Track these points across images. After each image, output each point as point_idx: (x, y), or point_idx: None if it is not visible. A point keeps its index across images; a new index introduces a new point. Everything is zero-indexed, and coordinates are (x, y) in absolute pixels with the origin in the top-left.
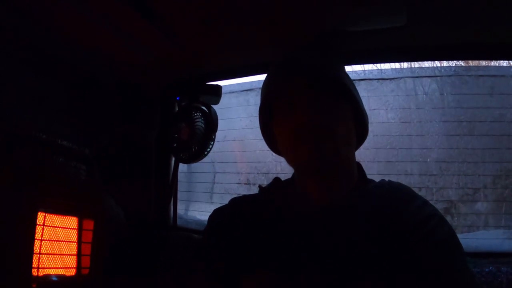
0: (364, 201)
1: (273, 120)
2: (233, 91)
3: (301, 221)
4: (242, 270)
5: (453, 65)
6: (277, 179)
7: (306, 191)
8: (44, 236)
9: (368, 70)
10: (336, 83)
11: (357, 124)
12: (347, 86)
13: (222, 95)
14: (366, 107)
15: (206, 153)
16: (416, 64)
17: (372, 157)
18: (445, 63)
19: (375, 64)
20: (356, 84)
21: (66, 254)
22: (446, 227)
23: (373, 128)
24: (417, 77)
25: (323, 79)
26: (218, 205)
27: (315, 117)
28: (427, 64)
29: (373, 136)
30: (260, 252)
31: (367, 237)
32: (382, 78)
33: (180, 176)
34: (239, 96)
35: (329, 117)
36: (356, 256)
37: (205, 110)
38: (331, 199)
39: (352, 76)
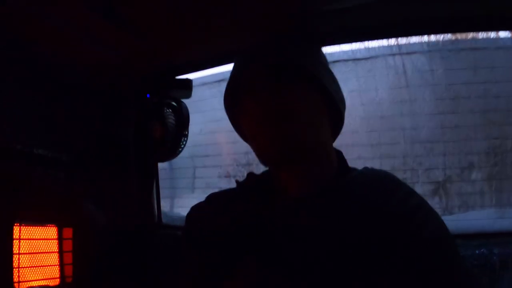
0: (345, 192)
1: (238, 110)
2: (206, 82)
3: (278, 216)
4: (223, 269)
5: (436, 39)
6: (250, 175)
7: (281, 184)
8: (22, 249)
9: (341, 51)
10: (300, 69)
11: (330, 111)
12: (312, 72)
13: (195, 88)
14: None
15: (180, 149)
16: (389, 42)
17: (352, 141)
18: (427, 38)
19: (349, 44)
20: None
21: (47, 266)
22: (434, 220)
23: (352, 111)
24: (396, 54)
25: (284, 65)
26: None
27: (274, 101)
28: (406, 40)
29: (353, 119)
30: (240, 250)
31: (348, 233)
32: (356, 58)
33: (161, 173)
34: (212, 87)
35: (291, 101)
36: (339, 254)
37: (175, 106)
38: (307, 191)
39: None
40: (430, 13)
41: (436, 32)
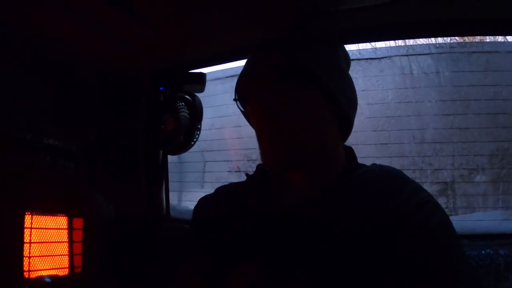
0: (348, 191)
1: (247, 110)
2: (218, 77)
3: (282, 213)
4: (228, 263)
5: (445, 41)
6: (260, 166)
7: (288, 181)
8: (33, 238)
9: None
10: (302, 70)
11: (337, 112)
12: (314, 73)
13: (207, 83)
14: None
15: (192, 143)
16: (406, 42)
17: (364, 139)
18: (438, 40)
19: (365, 43)
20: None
21: (57, 255)
22: (439, 216)
23: (362, 110)
24: (408, 55)
25: (286, 66)
26: None
27: (273, 107)
28: (418, 41)
29: (364, 118)
30: (246, 245)
31: (349, 232)
32: (370, 58)
33: (171, 166)
34: (225, 82)
35: (291, 102)
36: (340, 252)
37: (189, 99)
38: (311, 190)
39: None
40: (440, 16)
41: (445, 34)
